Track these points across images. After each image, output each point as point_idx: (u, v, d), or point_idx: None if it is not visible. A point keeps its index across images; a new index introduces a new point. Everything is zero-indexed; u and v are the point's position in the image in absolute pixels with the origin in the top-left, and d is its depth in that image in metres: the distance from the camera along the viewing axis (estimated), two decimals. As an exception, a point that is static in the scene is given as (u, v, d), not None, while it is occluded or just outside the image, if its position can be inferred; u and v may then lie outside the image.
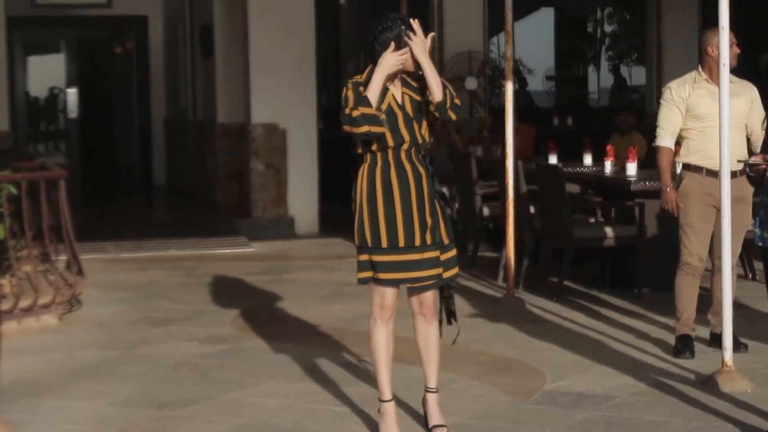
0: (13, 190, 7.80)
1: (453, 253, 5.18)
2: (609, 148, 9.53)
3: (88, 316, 8.17)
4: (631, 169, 8.84)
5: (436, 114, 5.07)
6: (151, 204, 17.53)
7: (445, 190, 11.68)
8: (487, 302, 8.28)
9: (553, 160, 10.10)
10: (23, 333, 7.52)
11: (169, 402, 5.90)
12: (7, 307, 7.57)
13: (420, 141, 5.10)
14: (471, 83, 14.07)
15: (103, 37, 21.01)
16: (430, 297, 5.18)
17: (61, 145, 21.22)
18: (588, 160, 10.16)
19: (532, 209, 8.96)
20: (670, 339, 6.91)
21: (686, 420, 5.48)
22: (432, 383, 5.26)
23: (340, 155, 13.71)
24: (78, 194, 16.28)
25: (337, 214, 12.79)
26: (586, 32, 28.65)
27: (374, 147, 5.05)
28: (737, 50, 6.61)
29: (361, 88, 5.02)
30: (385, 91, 5.06)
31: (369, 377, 6.18)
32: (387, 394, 5.21)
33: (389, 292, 5.12)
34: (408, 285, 5.12)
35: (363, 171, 5.10)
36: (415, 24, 5.02)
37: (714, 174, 6.43)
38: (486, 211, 9.83)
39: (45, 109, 22.26)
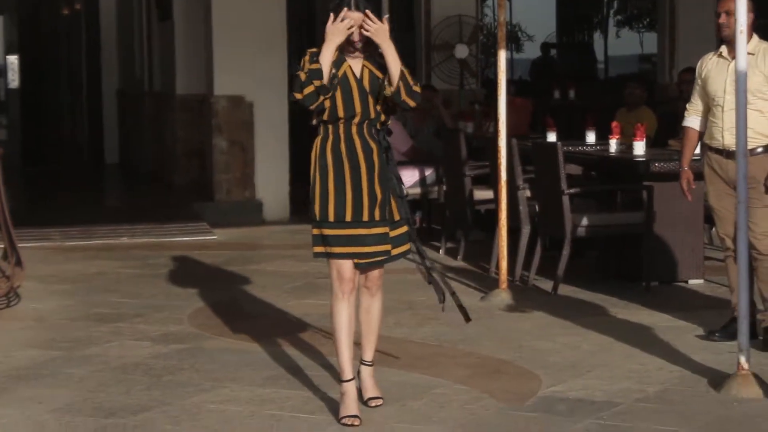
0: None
1: (404, 229, 5.65)
2: (614, 124, 9.52)
3: (27, 311, 8.14)
4: (639, 148, 8.83)
5: (392, 100, 5.50)
6: (102, 186, 17.50)
7: (429, 173, 11.56)
8: (476, 296, 8.28)
9: (551, 138, 10.09)
10: (-46, 331, 7.51)
11: (116, 409, 5.89)
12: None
13: (373, 116, 5.55)
14: (461, 51, 14.05)
15: (48, -3, 20.96)
16: (377, 271, 5.67)
17: (-1, 118, 21.17)
18: (591, 138, 10.16)
19: (528, 193, 8.96)
20: (680, 338, 6.99)
21: (697, 430, 5.49)
22: (368, 356, 5.78)
23: (314, 131, 13.69)
24: (18, 175, 16.23)
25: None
26: (592, -6, 28.57)
27: (326, 118, 5.52)
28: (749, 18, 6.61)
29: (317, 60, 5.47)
30: (341, 61, 5.52)
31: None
32: (348, 374, 5.57)
33: (345, 265, 5.55)
34: (356, 260, 5.55)
35: (316, 144, 5.59)
36: (368, 13, 5.40)
37: (720, 152, 6.75)
38: (477, 194, 9.82)
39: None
